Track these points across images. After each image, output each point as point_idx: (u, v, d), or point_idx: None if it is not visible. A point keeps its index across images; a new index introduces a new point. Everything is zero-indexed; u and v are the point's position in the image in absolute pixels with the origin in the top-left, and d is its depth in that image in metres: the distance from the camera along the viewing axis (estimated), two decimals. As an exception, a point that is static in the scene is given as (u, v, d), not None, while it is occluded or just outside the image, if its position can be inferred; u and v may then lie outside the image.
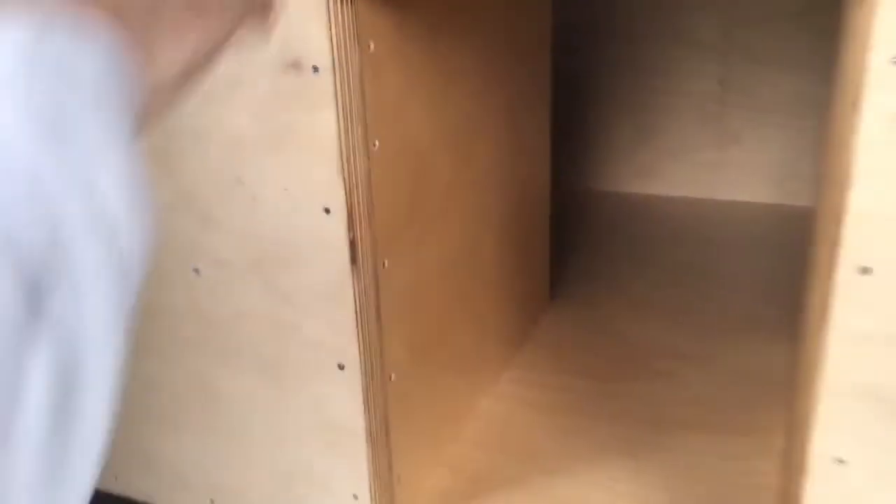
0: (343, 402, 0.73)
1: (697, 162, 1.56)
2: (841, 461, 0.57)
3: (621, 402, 0.98)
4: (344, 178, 0.65)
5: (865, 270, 0.51)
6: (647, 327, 1.14)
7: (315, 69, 0.63)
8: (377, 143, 0.67)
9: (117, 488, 0.90)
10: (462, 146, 0.84)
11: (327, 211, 0.67)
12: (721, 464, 0.86)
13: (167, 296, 0.77)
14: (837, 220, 0.51)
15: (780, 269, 1.28)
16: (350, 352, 0.71)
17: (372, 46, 0.65)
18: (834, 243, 0.52)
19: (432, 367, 0.83)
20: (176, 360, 0.80)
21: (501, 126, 0.94)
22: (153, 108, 0.34)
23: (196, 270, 0.74)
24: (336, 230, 0.67)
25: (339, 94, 0.63)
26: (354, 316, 0.70)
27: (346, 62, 0.62)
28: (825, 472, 0.57)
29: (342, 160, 0.64)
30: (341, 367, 0.72)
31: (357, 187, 0.66)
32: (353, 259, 0.68)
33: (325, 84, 0.63)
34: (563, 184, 1.59)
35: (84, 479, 0.26)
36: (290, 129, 0.65)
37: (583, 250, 1.39)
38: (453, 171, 0.83)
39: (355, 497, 0.77)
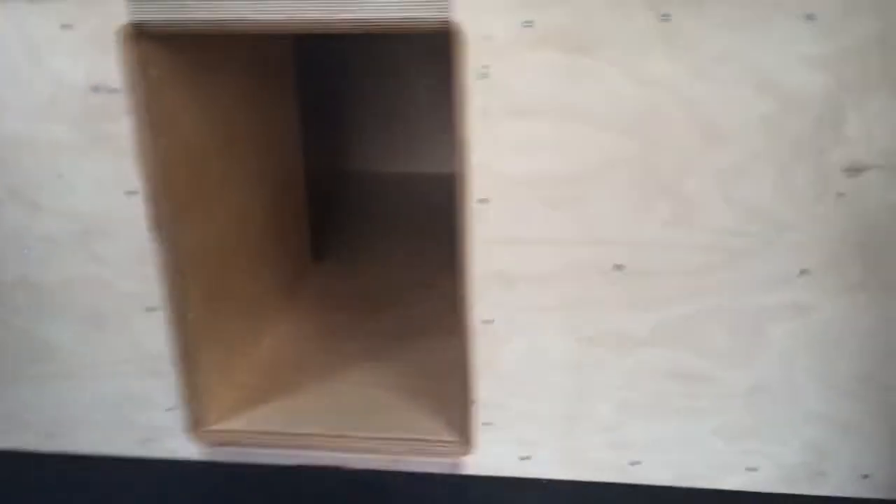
0: (154, 336, 0.98)
1: (439, 141, 1.91)
2: (488, 321, 0.91)
3: (374, 326, 1.29)
4: (141, 169, 0.90)
5: (483, 201, 0.85)
6: (392, 271, 1.47)
7: (113, 90, 0.87)
8: (164, 143, 0.92)
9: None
10: (230, 144, 1.10)
11: (131, 193, 0.91)
12: (442, 355, 1.20)
13: (1, 273, 0.97)
14: (463, 170, 0.85)
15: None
16: (156, 298, 0.96)
17: (154, 73, 0.90)
18: (462, 184, 0.85)
19: (221, 310, 1.09)
20: (7, 323, 1.00)
21: (259, 129, 1.21)
22: None
23: (27, 248, 0.95)
24: (139, 208, 0.92)
25: (133, 108, 0.87)
26: (157, 271, 0.95)
27: (136, 85, 0.87)
28: (480, 330, 0.91)
29: (140, 156, 0.89)
30: (150, 310, 0.97)
31: (153, 176, 0.91)
32: (153, 228, 0.93)
33: (121, 101, 0.87)
34: (325, 166, 1.89)
35: None
36: (99, 134, 0.89)
37: (342, 220, 1.69)
38: (225, 162, 1.09)
39: (169, 409, 1.02)
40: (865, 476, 0.95)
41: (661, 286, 0.87)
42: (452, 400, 1.04)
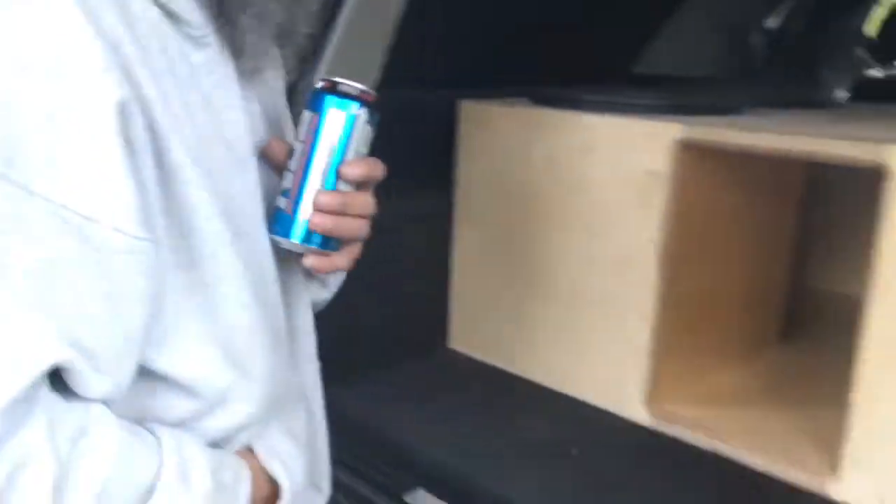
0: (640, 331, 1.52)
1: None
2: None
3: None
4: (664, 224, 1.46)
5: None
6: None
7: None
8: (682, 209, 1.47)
9: None
10: (730, 234, 1.60)
11: (651, 241, 1.48)
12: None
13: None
14: None
15: None
16: (650, 306, 1.50)
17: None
18: None
19: (692, 337, 1.59)
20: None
21: (752, 234, 1.68)
22: None
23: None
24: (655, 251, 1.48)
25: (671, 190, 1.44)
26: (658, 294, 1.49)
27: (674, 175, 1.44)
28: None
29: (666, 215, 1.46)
30: (644, 318, 1.51)
31: (669, 232, 1.46)
32: (663, 267, 1.47)
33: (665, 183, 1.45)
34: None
35: None
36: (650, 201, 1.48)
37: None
38: (722, 242, 1.59)
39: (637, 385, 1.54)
40: None
41: None
42: None
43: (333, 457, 1.48)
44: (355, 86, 0.79)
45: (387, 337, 1.73)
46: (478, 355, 1.82)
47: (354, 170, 0.78)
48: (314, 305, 0.95)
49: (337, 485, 1.44)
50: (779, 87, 2.10)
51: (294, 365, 0.88)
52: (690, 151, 1.43)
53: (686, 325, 1.57)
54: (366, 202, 0.81)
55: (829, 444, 1.33)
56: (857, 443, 1.28)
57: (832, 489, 1.31)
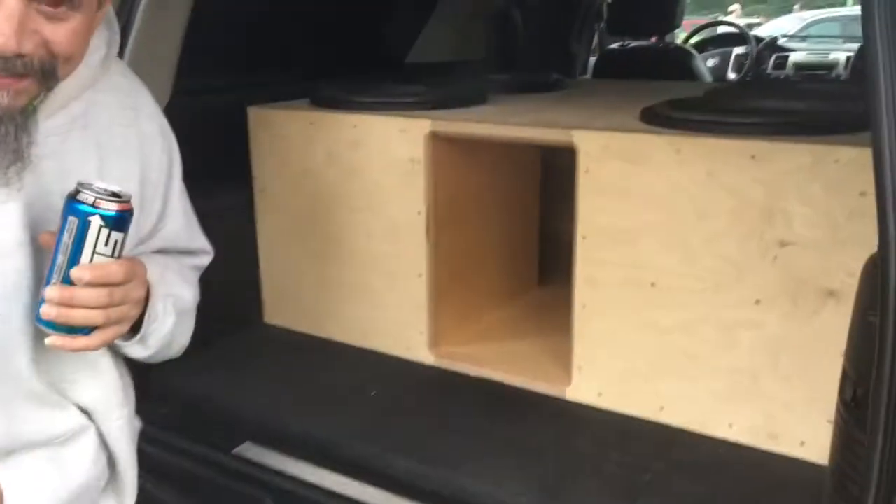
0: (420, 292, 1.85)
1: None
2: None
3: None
4: (428, 200, 1.79)
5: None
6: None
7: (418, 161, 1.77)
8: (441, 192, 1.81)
9: None
10: (485, 200, 1.96)
11: (420, 213, 1.81)
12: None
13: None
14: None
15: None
16: (423, 269, 1.84)
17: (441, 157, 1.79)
18: None
19: (463, 286, 1.94)
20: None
21: (509, 196, 2.05)
22: None
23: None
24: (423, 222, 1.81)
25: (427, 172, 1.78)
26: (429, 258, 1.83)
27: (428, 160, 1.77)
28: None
29: (427, 194, 1.79)
30: (420, 275, 1.84)
31: (432, 205, 1.80)
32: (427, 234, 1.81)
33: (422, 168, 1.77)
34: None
35: None
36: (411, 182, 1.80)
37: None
38: (480, 210, 1.95)
39: (422, 333, 1.88)
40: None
41: (674, 300, 1.54)
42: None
43: (172, 425, 1.73)
44: (93, 193, 0.89)
45: (208, 318, 1.96)
46: (290, 325, 2.10)
47: (82, 274, 0.90)
48: (148, 358, 1.11)
49: (175, 449, 1.69)
50: (520, 73, 2.47)
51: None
52: (440, 141, 1.77)
53: (456, 279, 1.92)
54: (94, 297, 0.91)
55: (565, 361, 1.72)
56: (579, 357, 1.68)
57: (568, 393, 1.71)
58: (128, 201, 0.92)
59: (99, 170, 1.03)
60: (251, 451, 1.67)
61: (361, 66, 2.42)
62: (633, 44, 3.73)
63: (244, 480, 1.59)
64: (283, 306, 2.11)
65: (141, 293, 1.00)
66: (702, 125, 1.48)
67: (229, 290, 2.02)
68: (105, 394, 1.12)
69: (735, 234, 1.45)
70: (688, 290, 1.52)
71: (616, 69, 3.59)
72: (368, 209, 1.89)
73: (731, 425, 1.53)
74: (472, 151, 1.87)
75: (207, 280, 1.96)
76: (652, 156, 1.51)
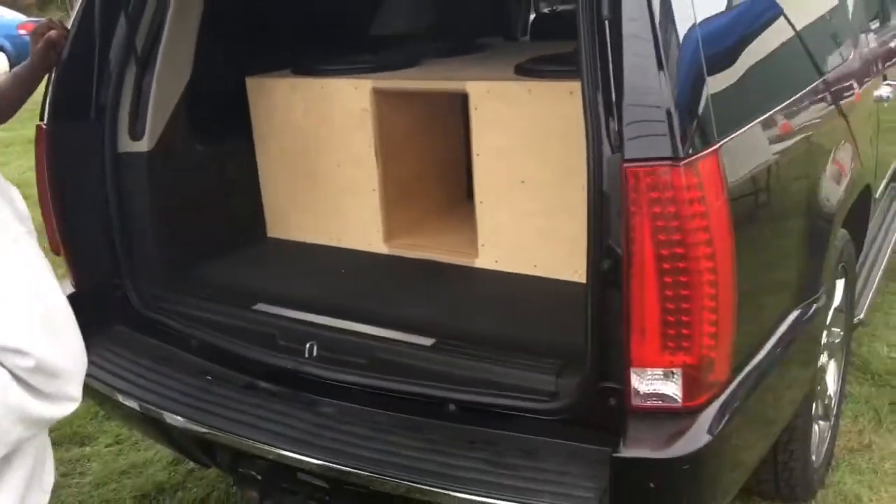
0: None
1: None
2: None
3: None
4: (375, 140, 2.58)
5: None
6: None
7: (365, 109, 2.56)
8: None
9: None
10: (417, 137, 2.74)
11: (370, 147, 2.59)
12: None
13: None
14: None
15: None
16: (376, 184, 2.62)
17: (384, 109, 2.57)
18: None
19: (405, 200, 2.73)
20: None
21: (436, 130, 2.83)
22: None
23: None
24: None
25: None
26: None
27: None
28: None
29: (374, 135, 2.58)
30: (373, 190, 2.63)
31: (380, 144, 2.58)
32: (377, 158, 2.59)
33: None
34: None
35: None
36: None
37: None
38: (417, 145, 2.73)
39: (379, 231, 2.68)
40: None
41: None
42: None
43: (216, 297, 2.49)
44: None
45: (230, 232, 2.75)
46: (285, 236, 2.89)
47: None
48: None
49: (217, 311, 2.50)
50: (449, 41, 3.23)
51: None
52: (381, 95, 2.55)
53: (403, 194, 2.71)
54: None
55: (474, 241, 2.52)
56: (482, 237, 2.47)
57: (476, 262, 2.51)
58: None
59: None
60: (263, 307, 2.47)
61: (335, 39, 3.19)
62: (561, 7, 4.46)
63: (261, 324, 2.39)
64: (279, 222, 2.91)
65: None
66: (544, 73, 2.26)
67: (241, 214, 2.83)
68: None
69: (569, 144, 2.23)
70: (546, 184, 2.31)
71: (548, 30, 4.33)
72: (335, 146, 2.67)
73: (575, 271, 2.32)
74: (406, 101, 2.66)
75: (226, 207, 2.76)
76: (517, 96, 2.29)
